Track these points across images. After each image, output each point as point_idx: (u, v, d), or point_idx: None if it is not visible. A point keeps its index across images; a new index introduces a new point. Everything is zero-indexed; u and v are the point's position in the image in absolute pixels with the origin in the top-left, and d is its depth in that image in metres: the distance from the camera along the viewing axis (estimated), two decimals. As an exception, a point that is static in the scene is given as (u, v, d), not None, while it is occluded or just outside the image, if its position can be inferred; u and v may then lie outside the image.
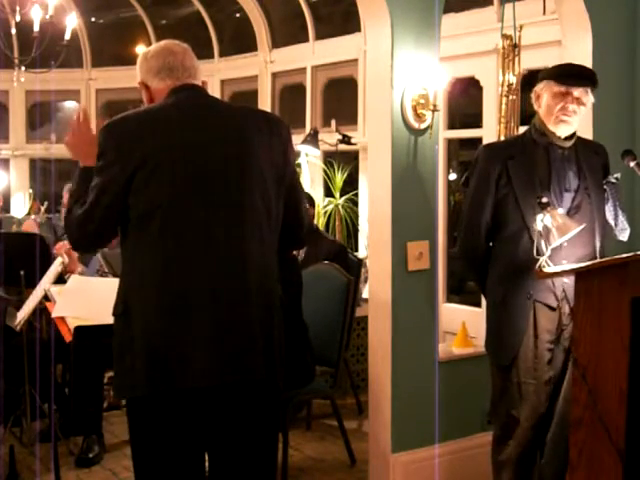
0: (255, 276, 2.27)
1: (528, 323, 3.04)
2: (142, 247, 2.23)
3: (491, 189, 3.12)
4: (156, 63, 2.36)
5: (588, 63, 3.88)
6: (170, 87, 2.33)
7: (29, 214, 8.66)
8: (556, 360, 3.07)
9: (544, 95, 3.10)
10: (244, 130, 2.30)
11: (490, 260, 3.21)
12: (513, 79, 4.02)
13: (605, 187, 3.16)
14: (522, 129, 3.28)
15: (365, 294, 5.14)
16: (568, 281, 3.01)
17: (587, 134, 3.64)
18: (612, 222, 3.13)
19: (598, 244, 3.09)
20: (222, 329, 2.21)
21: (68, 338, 3.84)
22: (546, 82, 3.10)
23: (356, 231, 6.92)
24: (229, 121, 2.32)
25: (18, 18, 6.50)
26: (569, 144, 3.11)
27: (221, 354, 2.20)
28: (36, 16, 6.39)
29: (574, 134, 3.14)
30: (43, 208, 7.95)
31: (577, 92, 3.04)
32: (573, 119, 3.06)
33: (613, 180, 3.15)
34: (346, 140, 6.41)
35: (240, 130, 2.30)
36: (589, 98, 3.09)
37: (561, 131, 3.08)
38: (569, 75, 3.06)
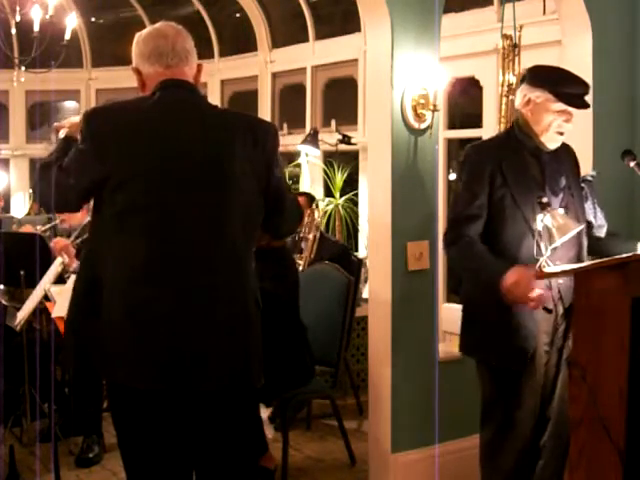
0: (224, 285, 2.24)
1: (538, 326, 2.98)
2: (111, 244, 2.20)
3: (484, 186, 2.98)
4: (146, 47, 2.33)
5: (588, 63, 3.89)
6: (159, 74, 2.29)
7: (29, 214, 8.66)
8: (551, 361, 3.06)
9: (540, 105, 2.95)
10: (224, 140, 2.26)
11: None
12: (513, 79, 4.02)
13: (583, 185, 3.15)
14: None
15: (365, 294, 5.14)
16: (562, 282, 2.99)
17: (587, 135, 3.65)
18: (592, 219, 3.14)
19: (585, 243, 3.06)
20: (180, 342, 2.18)
21: (68, 338, 3.83)
22: (545, 94, 2.94)
23: (356, 231, 6.92)
24: (210, 129, 2.27)
25: (18, 18, 6.50)
26: (554, 147, 3.06)
27: (173, 361, 2.18)
28: (36, 16, 6.39)
29: None
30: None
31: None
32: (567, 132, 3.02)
33: (590, 178, 3.15)
34: (346, 140, 6.41)
35: (220, 140, 2.26)
36: None
37: (553, 145, 3.01)
38: (575, 96, 2.94)
